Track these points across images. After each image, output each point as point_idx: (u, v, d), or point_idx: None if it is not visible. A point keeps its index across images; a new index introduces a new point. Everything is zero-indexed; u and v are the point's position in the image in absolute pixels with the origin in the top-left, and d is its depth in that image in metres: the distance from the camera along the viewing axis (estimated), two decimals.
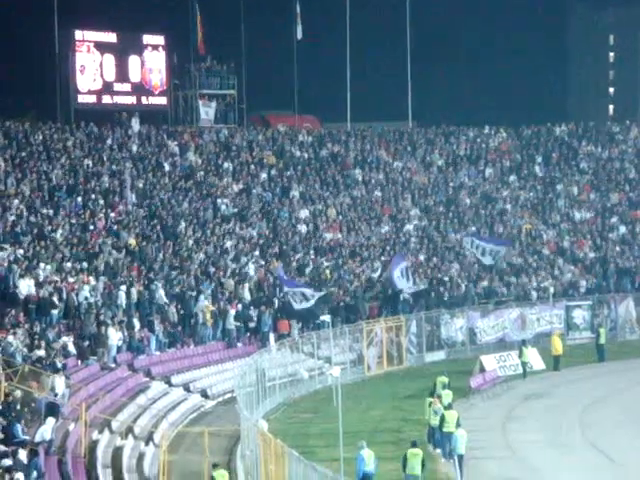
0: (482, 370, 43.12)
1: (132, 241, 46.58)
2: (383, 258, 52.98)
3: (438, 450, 32.61)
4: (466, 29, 66.40)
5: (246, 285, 46.85)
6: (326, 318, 44.07)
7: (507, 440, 34.63)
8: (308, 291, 45.08)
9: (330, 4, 62.88)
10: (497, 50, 65.19)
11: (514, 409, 39.18)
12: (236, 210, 53.14)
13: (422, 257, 54.22)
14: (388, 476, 29.27)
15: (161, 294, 43.49)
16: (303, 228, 53.75)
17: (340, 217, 55.84)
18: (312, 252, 51.80)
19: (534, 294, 53.26)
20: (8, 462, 23.16)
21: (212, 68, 60.68)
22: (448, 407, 33.04)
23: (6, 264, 39.69)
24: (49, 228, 44.44)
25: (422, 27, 64.22)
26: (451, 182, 61.23)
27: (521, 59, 69.46)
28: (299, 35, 61.78)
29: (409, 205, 58.62)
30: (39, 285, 39.56)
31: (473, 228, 56.49)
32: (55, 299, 39.38)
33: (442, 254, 54.89)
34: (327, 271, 50.34)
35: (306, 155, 59.99)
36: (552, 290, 52.67)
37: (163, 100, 59.13)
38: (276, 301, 46.73)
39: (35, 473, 24.63)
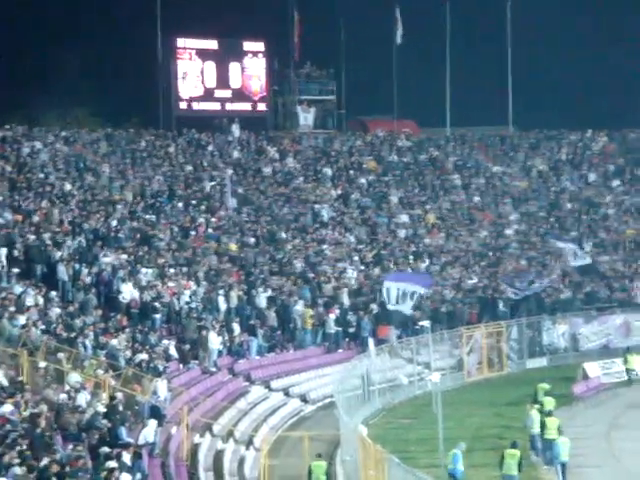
0: (585, 377, 42.46)
1: (232, 246, 46.95)
2: (483, 263, 52.55)
3: (540, 457, 32.19)
4: (568, 31, 65.46)
5: (345, 290, 46.87)
6: (425, 324, 43.77)
7: (611, 448, 34.01)
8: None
9: (430, 8, 62.56)
10: (600, 52, 64.13)
11: (619, 417, 38.45)
12: (335, 215, 53.21)
13: (523, 262, 53.60)
14: None
15: (261, 299, 43.77)
16: (402, 233, 53.58)
17: (439, 222, 55.53)
18: (411, 257, 51.57)
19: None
20: (113, 464, 23.50)
21: (311, 74, 60.96)
22: (548, 414, 32.64)
23: (110, 269, 40.31)
24: (151, 233, 45.02)
25: (523, 30, 63.51)
26: (552, 187, 60.46)
27: (626, 60, 68.21)
28: (398, 40, 61.69)
29: (509, 210, 58.04)
30: (141, 290, 40.10)
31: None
32: (157, 304, 39.87)
33: (543, 259, 54.17)
34: None
35: (405, 160, 59.82)
36: None
37: (263, 106, 59.56)
38: (375, 306, 46.62)
39: (139, 475, 24.96)
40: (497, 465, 28.94)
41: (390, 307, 40.33)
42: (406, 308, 40.38)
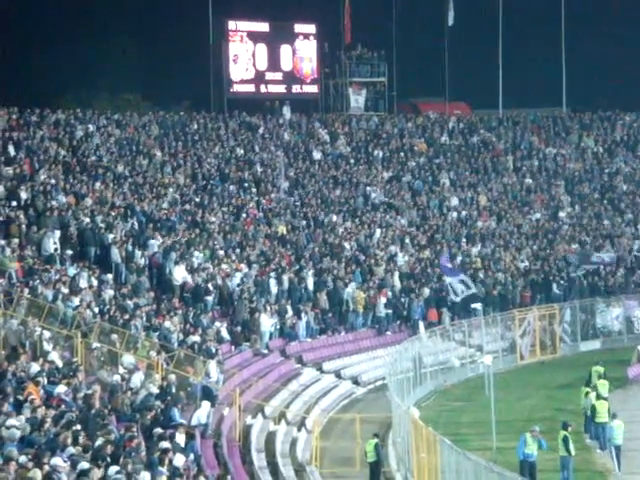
0: None
1: (283, 229, 46.99)
2: (535, 246, 52.23)
3: (594, 441, 31.97)
4: (622, 10, 64.66)
5: (396, 273, 46.77)
6: (477, 306, 43.60)
7: None
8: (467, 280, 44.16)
9: None
10: None
11: None
12: (386, 198, 53.05)
13: (574, 246, 53.10)
14: (543, 465, 28.79)
15: (311, 282, 43.78)
16: (453, 216, 53.33)
17: (491, 204, 55.17)
18: (464, 240, 51.35)
19: None
20: (166, 444, 23.62)
21: (362, 56, 60.71)
22: (598, 397, 32.39)
23: (162, 251, 40.49)
24: (203, 216, 45.14)
25: (577, 9, 62.75)
26: (607, 168, 59.81)
27: None
28: (450, 21, 61.21)
29: (562, 192, 57.52)
30: (193, 272, 40.25)
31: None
32: (209, 286, 40.01)
33: (596, 242, 53.61)
34: (478, 259, 49.84)
35: (456, 142, 59.48)
36: None
37: (314, 88, 59.47)
38: (426, 289, 46.48)
39: (192, 456, 25.07)
40: (551, 448, 28.77)
41: (459, 299, 43.60)
42: (472, 290, 43.47)
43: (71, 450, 20.83)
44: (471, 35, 61.38)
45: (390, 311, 45.10)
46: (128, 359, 31.42)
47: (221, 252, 42.68)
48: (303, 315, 42.30)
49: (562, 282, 49.44)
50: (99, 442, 22.00)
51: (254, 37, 57.20)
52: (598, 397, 32.53)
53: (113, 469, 20.46)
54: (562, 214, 55.61)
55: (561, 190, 57.53)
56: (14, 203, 38.84)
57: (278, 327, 41.12)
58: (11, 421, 21.69)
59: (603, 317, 48.64)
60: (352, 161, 55.12)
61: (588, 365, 38.06)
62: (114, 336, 32.24)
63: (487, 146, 59.82)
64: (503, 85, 62.69)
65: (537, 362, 45.68)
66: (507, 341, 45.81)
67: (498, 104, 63.38)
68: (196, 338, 35.38)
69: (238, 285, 41.05)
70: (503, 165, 58.46)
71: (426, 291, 46.40)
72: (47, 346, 29.67)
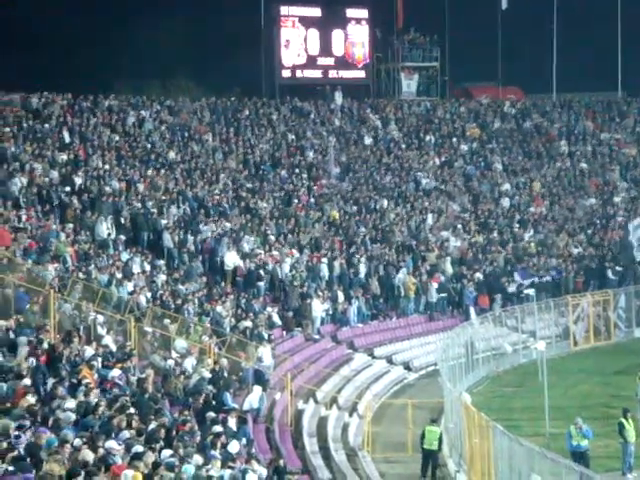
0: None
1: (335, 214, 46.96)
2: (589, 231, 51.76)
3: None
4: None
5: (448, 258, 46.60)
6: (530, 292, 43.33)
7: None
8: None
9: None
10: None
11: None
12: (438, 183, 52.81)
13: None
14: (595, 453, 28.55)
15: (363, 267, 43.73)
16: (506, 201, 52.97)
17: (544, 190, 54.74)
18: (516, 225, 51.01)
19: None
20: (219, 428, 23.74)
21: (415, 40, 60.39)
22: None
23: (215, 237, 40.63)
24: (254, 202, 45.21)
25: None
26: None
27: None
28: (504, 5, 60.71)
29: (617, 177, 56.92)
30: (245, 258, 40.35)
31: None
32: (261, 271, 40.09)
33: None
34: (532, 244, 49.51)
35: (509, 127, 59.02)
36: None
37: (366, 74, 59.23)
38: (478, 275, 46.26)
39: (244, 440, 25.17)
40: (605, 435, 28.55)
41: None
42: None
43: (125, 434, 20.98)
44: (525, 18, 60.80)
45: (444, 294, 44.95)
46: (181, 344, 31.60)
47: (272, 238, 42.75)
48: (354, 301, 42.32)
49: (617, 268, 48.97)
50: (152, 426, 22.13)
51: (306, 22, 57.08)
52: None
53: (166, 453, 20.58)
54: (617, 199, 55.05)
55: (616, 175, 56.94)
56: (68, 188, 39.15)
57: (330, 312, 41.14)
58: (67, 404, 21.89)
59: None
60: (403, 146, 54.91)
61: None
62: (167, 321, 32.43)
63: (540, 131, 59.33)
64: (557, 69, 62.09)
65: (591, 348, 45.34)
66: (560, 327, 45.49)
67: (552, 88, 62.80)
68: (248, 323, 35.49)
69: (290, 270, 41.09)
70: (556, 150, 57.94)
71: (478, 276, 46.18)
72: (101, 330, 29.89)
